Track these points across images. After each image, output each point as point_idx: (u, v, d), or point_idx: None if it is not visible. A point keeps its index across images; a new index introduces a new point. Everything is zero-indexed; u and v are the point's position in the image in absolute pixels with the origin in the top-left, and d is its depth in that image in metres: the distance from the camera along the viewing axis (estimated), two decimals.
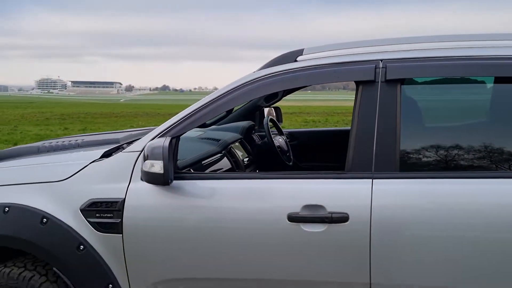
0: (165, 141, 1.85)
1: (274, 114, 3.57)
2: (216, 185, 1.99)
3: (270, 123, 3.11)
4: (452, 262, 1.70)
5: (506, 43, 1.88)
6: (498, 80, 1.95)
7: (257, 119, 3.46)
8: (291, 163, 3.13)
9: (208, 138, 2.75)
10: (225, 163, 2.64)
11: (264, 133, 3.08)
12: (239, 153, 2.91)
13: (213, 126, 3.11)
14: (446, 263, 1.71)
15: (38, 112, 29.96)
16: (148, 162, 1.85)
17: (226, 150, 2.69)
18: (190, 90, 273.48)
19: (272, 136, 3.06)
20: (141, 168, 1.90)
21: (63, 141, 2.78)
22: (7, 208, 2.12)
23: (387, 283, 1.78)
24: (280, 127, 3.39)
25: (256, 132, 3.39)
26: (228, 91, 2.06)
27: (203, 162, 2.43)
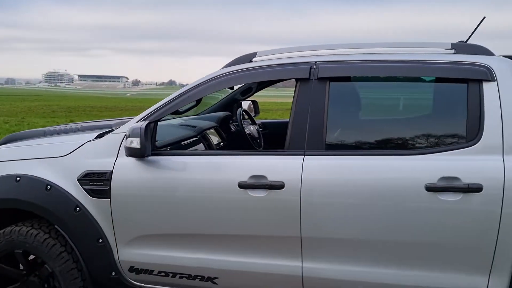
0: (143, 124, 2.36)
1: (252, 107, 4.07)
2: (184, 160, 2.49)
3: (244, 114, 3.61)
4: (359, 218, 2.19)
5: (409, 50, 2.38)
6: (401, 79, 2.44)
7: (234, 111, 3.96)
8: (261, 149, 3.63)
9: (187, 125, 3.26)
10: (199, 146, 3.14)
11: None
12: (215, 139, 3.42)
13: (194, 116, 3.63)
14: (355, 219, 2.20)
15: (44, 105, 30.64)
16: (129, 139, 2.36)
17: (201, 135, 3.20)
18: None
19: (245, 125, 3.56)
20: (124, 145, 2.41)
21: (65, 127, 3.30)
22: (18, 178, 2.64)
23: (313, 236, 2.27)
24: (254, 117, 3.89)
25: (233, 122, 3.90)
26: (196, 85, 2.56)
27: (181, 144, 2.94)
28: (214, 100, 3.94)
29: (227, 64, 2.60)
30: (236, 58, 2.60)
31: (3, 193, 2.67)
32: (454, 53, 2.30)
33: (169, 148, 2.76)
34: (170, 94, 2.64)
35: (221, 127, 3.61)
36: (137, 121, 2.53)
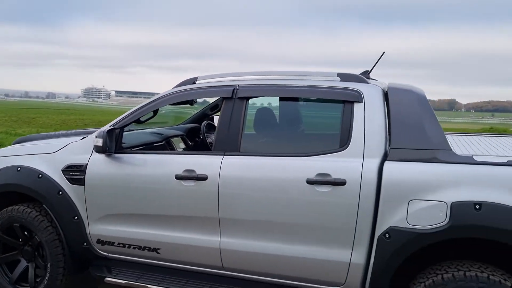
0: (106, 128, 3.15)
1: None
2: (139, 157, 3.25)
3: (209, 125, 4.37)
4: (259, 204, 2.88)
5: (308, 77, 3.09)
6: (298, 99, 3.15)
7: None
8: None
9: (156, 133, 4.06)
10: (164, 150, 3.92)
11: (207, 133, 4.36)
12: (181, 145, 4.20)
13: (167, 127, 4.43)
14: (257, 205, 2.88)
15: (79, 119, 32.39)
16: (96, 139, 3.15)
17: (166, 141, 3.98)
18: None
19: (209, 135, 4.33)
20: (93, 143, 3.21)
21: (62, 132, 4.15)
22: (19, 168, 3.49)
23: (228, 217, 2.97)
24: None
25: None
26: (152, 100, 3.35)
27: (145, 146, 3.72)
28: (188, 115, 4.73)
29: (176, 85, 3.37)
30: (183, 81, 3.38)
31: (8, 179, 3.52)
32: (340, 81, 3.00)
33: (134, 149, 3.54)
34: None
35: (188, 136, 4.39)
36: (107, 127, 3.33)
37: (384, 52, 3.43)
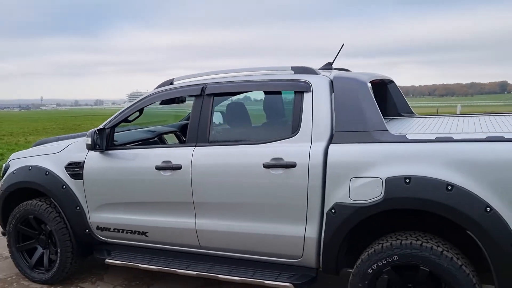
0: (95, 130, 3.61)
1: None
2: (127, 152, 3.69)
3: None
4: (225, 188, 3.23)
5: (266, 72, 3.40)
6: (259, 93, 3.46)
7: None
8: None
9: (150, 130, 4.50)
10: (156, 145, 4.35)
11: None
12: (175, 140, 4.62)
13: (163, 125, 4.87)
14: (223, 188, 3.24)
15: None
16: (86, 138, 3.62)
17: (158, 137, 4.41)
18: None
19: None
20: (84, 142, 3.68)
21: (70, 135, 4.67)
22: (30, 167, 4.03)
23: (200, 201, 3.34)
24: None
25: None
26: (136, 101, 3.77)
27: (136, 143, 4.16)
28: (185, 113, 5.14)
29: (156, 86, 3.78)
30: (161, 83, 3.78)
31: (21, 177, 4.08)
32: (293, 74, 3.29)
33: (123, 146, 3.99)
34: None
35: (182, 132, 4.81)
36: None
37: (343, 44, 3.67)
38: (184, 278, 3.77)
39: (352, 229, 2.88)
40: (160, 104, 3.90)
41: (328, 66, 3.63)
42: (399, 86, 4.34)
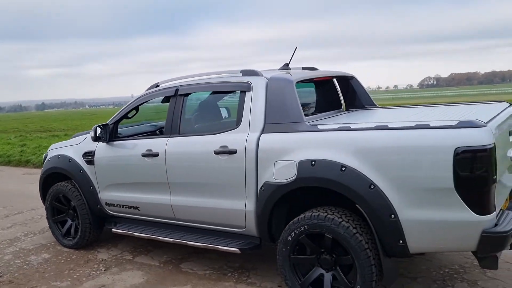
0: (97, 125, 4.53)
1: None
2: (124, 142, 4.57)
3: None
4: (187, 170, 3.98)
5: (222, 75, 4.07)
6: (215, 92, 4.16)
7: None
8: None
9: (153, 124, 5.38)
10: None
11: None
12: None
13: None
14: (186, 171, 3.99)
15: None
16: (91, 132, 4.56)
17: (159, 130, 5.27)
18: None
19: None
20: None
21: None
22: (59, 156, 5.10)
23: (173, 182, 4.12)
24: None
25: None
26: (132, 101, 4.64)
27: (138, 135, 5.04)
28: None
29: (147, 89, 4.61)
30: (150, 86, 4.61)
31: (53, 163, 5.17)
32: (241, 76, 3.93)
33: (123, 138, 4.87)
34: None
35: None
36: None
37: (296, 48, 4.23)
38: (176, 246, 4.61)
39: (276, 203, 3.49)
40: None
41: (285, 67, 4.22)
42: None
